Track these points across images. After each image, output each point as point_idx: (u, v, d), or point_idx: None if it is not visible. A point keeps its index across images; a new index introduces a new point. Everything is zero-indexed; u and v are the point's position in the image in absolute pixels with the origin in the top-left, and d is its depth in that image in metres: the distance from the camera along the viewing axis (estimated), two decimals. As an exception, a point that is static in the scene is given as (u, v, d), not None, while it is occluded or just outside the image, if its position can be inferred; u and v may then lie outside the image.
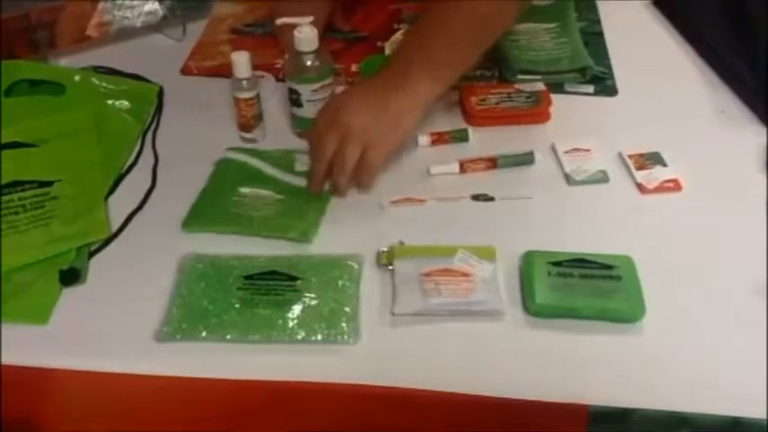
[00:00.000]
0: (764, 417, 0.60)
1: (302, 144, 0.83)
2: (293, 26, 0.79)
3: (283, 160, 0.83)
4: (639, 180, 0.80)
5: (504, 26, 0.82)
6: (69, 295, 0.69)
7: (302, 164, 0.81)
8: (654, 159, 0.82)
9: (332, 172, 0.76)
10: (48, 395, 0.66)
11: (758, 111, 0.89)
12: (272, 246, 0.73)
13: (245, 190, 0.78)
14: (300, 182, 0.80)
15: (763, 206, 0.78)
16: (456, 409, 0.63)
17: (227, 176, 0.80)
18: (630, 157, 0.83)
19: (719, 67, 0.96)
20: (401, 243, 0.72)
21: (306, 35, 0.78)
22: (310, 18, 0.79)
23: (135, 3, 0.99)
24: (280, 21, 0.82)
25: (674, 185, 0.80)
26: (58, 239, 0.72)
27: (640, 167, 0.81)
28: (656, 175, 0.80)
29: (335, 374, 0.63)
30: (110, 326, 0.67)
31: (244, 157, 0.82)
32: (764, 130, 0.87)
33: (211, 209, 0.77)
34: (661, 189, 0.79)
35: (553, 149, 0.84)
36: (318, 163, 0.76)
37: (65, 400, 0.67)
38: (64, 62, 0.96)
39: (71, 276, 0.70)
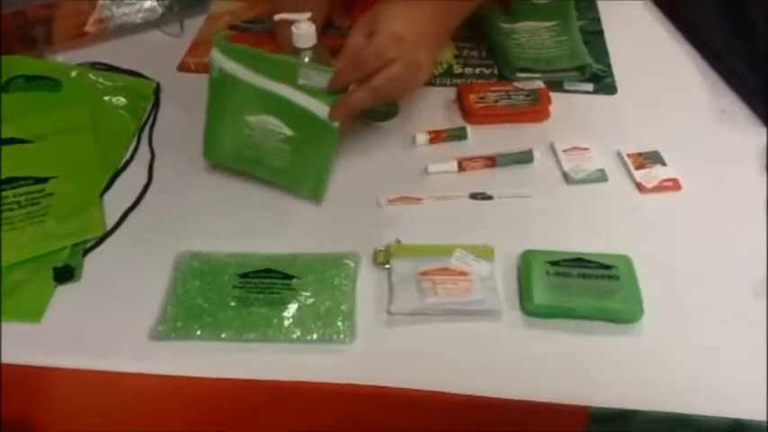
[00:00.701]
0: (764, 418, 0.60)
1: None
2: (291, 22, 0.78)
3: (283, 68, 0.75)
4: (638, 179, 0.79)
5: None
6: (63, 293, 0.69)
7: (306, 78, 0.75)
8: (653, 158, 0.82)
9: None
10: (41, 393, 0.66)
11: (758, 111, 0.88)
12: (269, 244, 0.73)
13: (251, 119, 0.76)
14: (305, 101, 0.75)
15: (763, 206, 0.77)
16: (453, 409, 0.63)
17: (227, 97, 0.76)
18: (629, 156, 0.82)
19: (719, 67, 0.95)
20: (398, 241, 0.72)
21: (303, 31, 0.78)
22: (308, 14, 0.78)
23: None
24: (277, 17, 0.81)
25: (673, 185, 0.79)
26: (53, 236, 0.72)
27: (639, 166, 0.81)
28: (654, 174, 0.80)
29: (331, 374, 0.63)
30: (104, 324, 0.67)
31: (240, 70, 0.75)
32: (764, 130, 0.86)
33: (225, 140, 0.78)
34: (660, 188, 0.79)
35: (552, 148, 0.84)
36: (349, 71, 0.72)
37: (59, 399, 0.66)
38: (60, 58, 0.96)
39: (65, 274, 0.69)
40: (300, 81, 0.74)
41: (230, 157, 0.78)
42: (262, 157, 0.77)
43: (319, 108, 0.75)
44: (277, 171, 0.77)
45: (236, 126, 0.77)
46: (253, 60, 0.75)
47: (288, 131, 0.76)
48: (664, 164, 0.81)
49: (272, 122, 0.76)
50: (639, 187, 0.79)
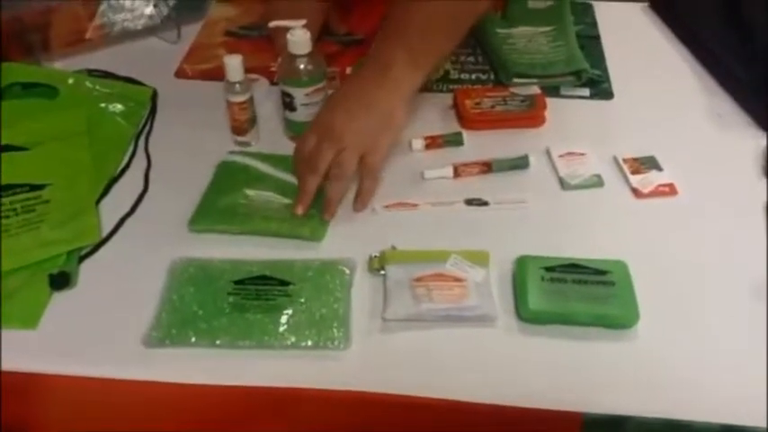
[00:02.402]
0: (761, 424, 0.59)
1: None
2: (287, 29, 0.79)
3: (284, 162, 0.82)
4: (634, 184, 0.79)
5: (479, 10, 0.81)
6: (59, 300, 0.69)
7: None
8: (649, 163, 0.82)
9: (324, 186, 0.74)
10: (37, 400, 0.66)
11: (755, 115, 0.88)
12: (264, 250, 0.73)
13: (250, 192, 0.78)
14: None
15: (760, 210, 0.77)
16: (448, 415, 0.62)
17: (230, 178, 0.80)
18: (625, 161, 0.82)
19: (716, 71, 0.95)
20: (393, 248, 0.72)
21: (299, 38, 0.78)
22: (303, 21, 0.78)
23: (130, 6, 0.99)
24: (273, 23, 0.82)
25: (669, 190, 0.79)
26: (49, 243, 0.72)
27: (635, 172, 0.81)
28: (651, 179, 0.80)
29: (326, 380, 0.63)
30: (99, 331, 0.67)
31: (245, 160, 0.82)
32: (761, 134, 0.86)
33: (219, 208, 0.76)
34: (656, 193, 0.79)
35: (548, 153, 0.84)
36: (312, 176, 0.73)
37: (54, 406, 0.66)
38: (57, 65, 0.96)
39: (61, 281, 0.69)
40: None
41: (220, 221, 0.75)
42: (258, 213, 0.76)
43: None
44: (274, 220, 0.75)
45: (234, 197, 0.77)
46: (259, 158, 0.82)
47: (287, 201, 0.77)
48: (660, 169, 0.81)
49: (272, 196, 0.78)
50: (636, 192, 0.79)
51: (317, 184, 0.74)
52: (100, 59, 0.97)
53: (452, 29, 0.78)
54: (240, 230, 0.74)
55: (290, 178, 0.80)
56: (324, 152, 0.73)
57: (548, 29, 1.01)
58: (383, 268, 0.70)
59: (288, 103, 0.83)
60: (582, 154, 0.83)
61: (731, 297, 0.69)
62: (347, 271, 0.70)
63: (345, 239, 0.74)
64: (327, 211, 0.75)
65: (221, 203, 0.77)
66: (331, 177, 0.73)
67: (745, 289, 0.70)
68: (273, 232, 0.74)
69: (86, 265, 0.72)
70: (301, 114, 0.83)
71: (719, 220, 0.76)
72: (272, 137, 0.87)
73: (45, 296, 0.69)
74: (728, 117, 0.89)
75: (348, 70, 0.95)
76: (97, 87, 0.90)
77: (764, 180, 0.81)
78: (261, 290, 0.68)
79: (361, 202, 0.76)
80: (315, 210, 0.76)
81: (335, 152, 0.72)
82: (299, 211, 0.74)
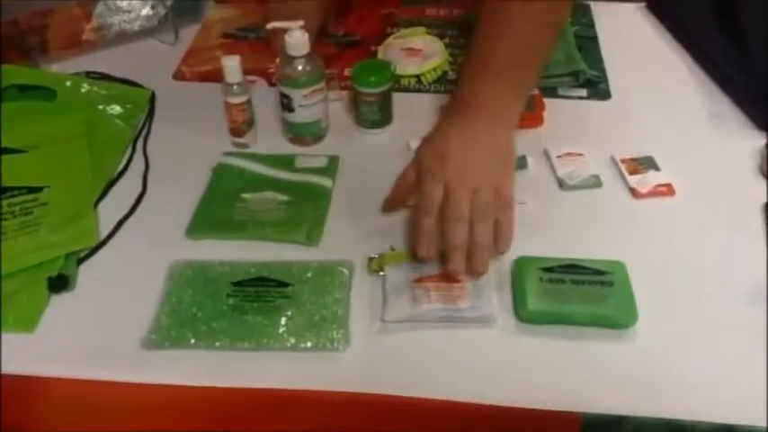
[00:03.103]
0: (760, 424, 0.60)
1: (298, 149, 0.85)
2: (284, 31, 0.79)
3: (282, 160, 0.82)
4: (632, 185, 0.80)
5: (561, 17, 0.79)
6: (58, 302, 0.69)
7: (304, 162, 0.82)
8: (647, 164, 0.82)
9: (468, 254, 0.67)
10: (36, 403, 0.66)
11: (752, 115, 0.89)
12: (263, 252, 0.73)
13: (247, 196, 0.78)
14: (302, 178, 0.80)
15: (758, 211, 0.78)
16: (447, 416, 0.62)
17: (226, 183, 0.80)
18: (623, 161, 0.82)
19: (713, 72, 0.95)
20: (392, 249, 0.72)
21: (296, 39, 0.78)
22: (300, 22, 0.78)
23: (128, 8, 0.99)
24: (270, 25, 0.82)
25: (667, 190, 0.79)
26: (47, 246, 0.72)
27: (633, 172, 0.81)
28: (649, 179, 0.80)
29: (325, 382, 0.63)
30: (98, 333, 0.67)
31: (242, 162, 0.82)
32: (758, 134, 0.86)
33: (215, 216, 0.76)
34: (654, 193, 0.79)
35: (546, 154, 0.84)
36: (461, 225, 0.66)
37: (52, 409, 0.66)
38: (55, 68, 0.96)
39: (60, 283, 0.69)
40: (298, 165, 0.82)
41: (216, 230, 0.75)
42: (253, 217, 0.76)
43: (318, 179, 0.80)
44: (270, 225, 0.75)
45: (230, 203, 0.78)
46: (254, 158, 0.83)
47: (284, 198, 0.78)
48: (658, 169, 0.81)
49: (269, 195, 0.78)
50: (634, 192, 0.79)
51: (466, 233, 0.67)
52: (97, 61, 0.97)
53: (542, 48, 0.76)
54: (237, 237, 0.74)
55: (287, 176, 0.80)
56: (461, 197, 0.66)
57: (545, 29, 1.01)
58: (382, 269, 0.70)
59: (286, 105, 0.83)
60: (580, 154, 0.83)
61: (729, 297, 0.69)
62: (346, 272, 0.70)
63: (344, 241, 0.74)
64: (478, 259, 0.67)
65: (217, 211, 0.77)
66: (477, 221, 0.66)
67: (742, 289, 0.70)
68: (269, 238, 0.74)
69: (85, 268, 0.72)
70: (299, 115, 0.83)
71: (717, 221, 0.76)
72: (270, 138, 0.87)
73: (43, 299, 0.69)
74: (726, 118, 0.89)
75: (346, 72, 0.95)
76: (95, 89, 0.90)
77: (762, 180, 0.81)
78: (260, 291, 0.68)
79: (504, 240, 0.68)
80: (309, 213, 0.76)
81: (471, 194, 0.67)
82: (424, 253, 0.67)
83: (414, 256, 0.69)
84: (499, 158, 0.70)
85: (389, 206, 0.76)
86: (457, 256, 0.66)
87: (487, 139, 0.70)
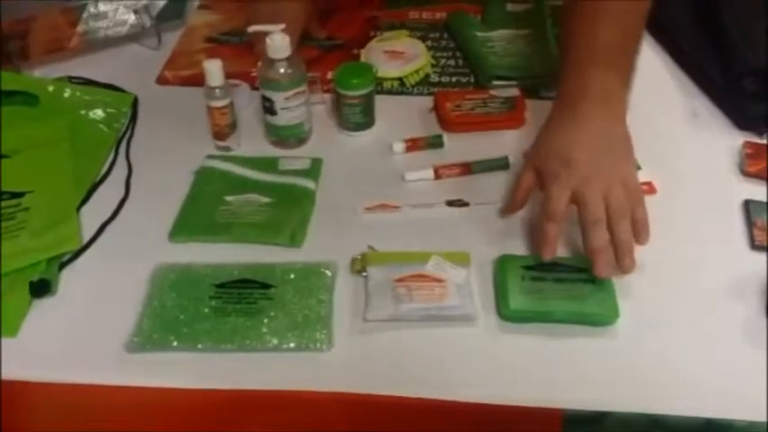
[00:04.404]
0: (739, 417, 0.60)
1: (281, 152, 0.85)
2: (266, 34, 0.79)
3: (265, 163, 0.83)
4: None
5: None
6: (40, 307, 0.69)
7: (287, 164, 0.82)
8: None
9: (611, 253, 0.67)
10: (18, 408, 0.65)
11: (730, 113, 0.90)
12: (246, 254, 0.73)
13: (230, 198, 0.78)
14: (285, 180, 0.80)
15: (737, 208, 0.78)
16: (430, 415, 0.63)
17: (209, 185, 0.80)
18: None
19: (692, 70, 0.96)
20: (370, 248, 0.72)
21: (277, 43, 0.78)
22: (282, 25, 0.79)
23: (112, 13, 0.99)
24: (252, 28, 0.82)
25: (648, 188, 0.80)
26: (29, 251, 0.71)
27: None
28: None
29: (309, 382, 0.63)
30: (80, 337, 0.66)
31: (224, 165, 0.82)
32: (737, 132, 0.87)
33: (198, 219, 0.76)
34: None
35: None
36: (600, 228, 0.66)
37: (35, 413, 0.66)
38: (38, 73, 0.96)
39: (41, 288, 0.69)
40: (281, 168, 0.82)
41: (199, 233, 0.75)
42: (237, 219, 0.76)
43: (301, 181, 0.80)
44: (253, 227, 0.75)
45: (212, 206, 0.78)
46: (237, 161, 0.83)
47: (267, 200, 0.78)
48: (638, 168, 0.82)
49: (252, 197, 0.78)
50: None
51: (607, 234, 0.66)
52: (81, 67, 0.96)
53: (640, 33, 0.75)
54: (220, 240, 0.75)
55: (270, 178, 0.81)
56: (594, 200, 0.66)
57: (526, 31, 1.02)
58: (365, 270, 0.70)
59: (268, 108, 0.83)
60: (561, 154, 0.84)
61: (709, 294, 0.70)
62: (329, 273, 0.70)
63: (327, 242, 0.75)
64: (628, 257, 0.66)
65: (200, 214, 0.77)
66: (615, 221, 0.66)
67: (722, 286, 0.70)
68: (253, 240, 0.74)
69: (67, 272, 0.72)
70: (282, 118, 0.83)
71: (697, 218, 0.77)
72: (253, 141, 0.87)
73: (25, 304, 0.68)
74: (705, 116, 0.90)
75: (329, 75, 0.96)
76: (78, 94, 0.90)
77: (741, 178, 0.82)
78: (243, 293, 0.68)
79: (644, 233, 0.68)
80: (292, 215, 0.76)
81: (603, 194, 0.66)
82: (549, 258, 0.68)
83: (535, 255, 0.68)
84: (619, 149, 0.70)
85: (509, 211, 0.75)
86: (602, 259, 0.66)
87: (605, 130, 0.70)
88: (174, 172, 0.82)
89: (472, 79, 0.97)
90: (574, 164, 0.68)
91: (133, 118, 0.91)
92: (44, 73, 0.95)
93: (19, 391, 0.64)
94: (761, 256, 0.73)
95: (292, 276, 0.70)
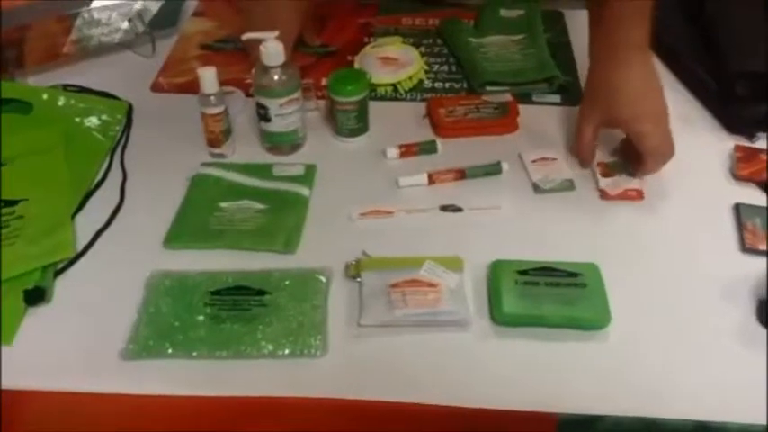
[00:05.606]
0: (732, 420, 0.61)
1: (275, 158, 0.85)
2: (261, 41, 0.79)
3: (259, 169, 0.83)
4: (602, 186, 0.81)
5: None
6: (36, 314, 0.69)
7: (281, 170, 0.83)
8: (620, 168, 0.83)
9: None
10: (13, 416, 0.65)
11: (721, 117, 0.90)
12: (241, 260, 0.73)
13: (224, 205, 0.79)
14: (280, 186, 0.81)
15: (728, 211, 0.79)
16: (424, 419, 0.63)
17: (204, 192, 0.81)
18: (597, 165, 0.84)
19: (684, 76, 0.97)
20: (364, 254, 0.73)
21: (272, 50, 0.79)
22: (276, 33, 0.79)
23: (106, 21, 0.99)
24: (246, 36, 0.82)
25: (636, 194, 0.80)
26: (24, 259, 0.72)
27: (606, 176, 0.82)
28: (620, 182, 0.81)
29: (304, 388, 0.63)
30: (76, 345, 0.67)
31: (219, 172, 0.83)
32: (728, 136, 0.88)
33: (193, 225, 0.77)
34: (624, 197, 0.80)
35: (521, 159, 0.85)
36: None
37: (31, 421, 0.66)
38: (33, 81, 0.96)
39: (36, 296, 0.69)
40: (276, 174, 0.82)
41: (194, 240, 0.75)
42: (231, 226, 0.76)
43: (296, 187, 0.80)
44: (247, 234, 0.75)
45: (207, 213, 0.78)
46: (232, 168, 0.83)
47: (262, 206, 0.78)
48: (630, 173, 0.82)
49: (247, 204, 0.79)
50: (604, 195, 0.80)
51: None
52: (75, 74, 0.97)
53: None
54: (214, 247, 0.75)
55: (264, 184, 0.81)
56: (669, 137, 0.79)
57: (519, 37, 1.02)
58: (359, 275, 0.71)
59: (263, 115, 0.83)
60: (554, 159, 0.85)
61: (700, 297, 0.70)
62: (323, 279, 0.71)
63: (322, 247, 0.75)
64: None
65: (195, 221, 0.77)
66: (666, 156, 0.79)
67: (713, 289, 0.71)
68: (247, 247, 0.74)
69: (62, 280, 0.72)
70: (276, 125, 0.83)
71: (688, 221, 0.78)
72: (248, 148, 0.87)
73: (20, 312, 0.68)
74: (696, 120, 0.91)
75: (323, 81, 0.96)
76: (72, 102, 0.90)
77: (732, 182, 0.83)
78: (237, 300, 0.68)
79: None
80: (287, 222, 0.76)
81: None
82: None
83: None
84: (663, 95, 0.80)
85: (586, 163, 0.84)
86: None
87: (655, 83, 0.79)
88: (168, 179, 0.82)
89: (465, 85, 0.97)
90: (657, 118, 0.78)
91: (128, 125, 0.91)
92: (39, 81, 0.96)
93: (14, 400, 0.64)
94: (752, 259, 0.74)
95: (287, 282, 0.70)
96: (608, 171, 0.82)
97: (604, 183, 0.81)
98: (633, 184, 0.81)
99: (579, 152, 0.84)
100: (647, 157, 0.79)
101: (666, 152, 0.79)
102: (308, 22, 1.02)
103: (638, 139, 0.78)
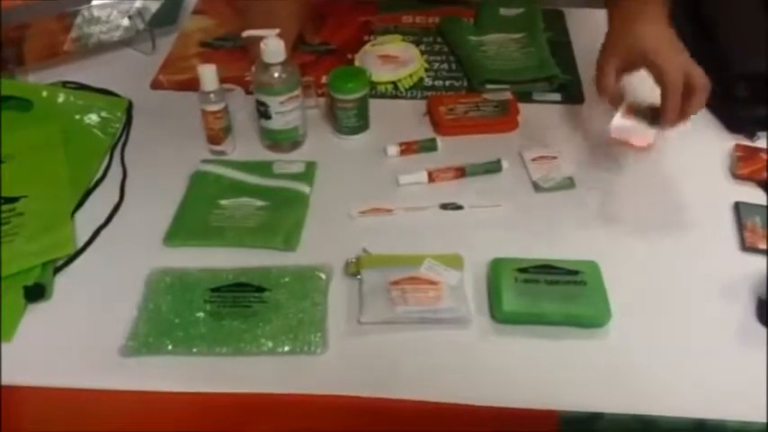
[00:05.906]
0: (731, 418, 0.61)
1: (275, 156, 0.85)
2: (261, 39, 0.79)
3: (259, 167, 0.83)
4: (613, 123, 0.79)
5: None
6: (35, 312, 0.69)
7: (281, 167, 0.83)
8: (644, 114, 0.80)
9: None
10: (13, 413, 0.65)
11: (722, 117, 0.90)
12: (241, 257, 0.73)
13: (224, 202, 0.79)
14: (280, 183, 0.81)
15: (728, 210, 0.79)
16: (425, 416, 0.63)
17: (204, 189, 0.81)
18: (625, 105, 0.81)
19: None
20: (365, 251, 0.73)
21: (272, 47, 0.79)
22: (276, 30, 0.79)
23: (106, 18, 0.99)
24: (246, 33, 0.82)
25: (638, 147, 0.79)
26: (24, 255, 0.72)
27: (626, 116, 0.80)
28: (632, 131, 0.79)
29: (304, 385, 0.63)
30: (76, 341, 0.67)
31: (219, 169, 0.82)
32: (728, 135, 0.88)
33: (193, 223, 0.77)
34: (626, 143, 0.79)
35: (521, 157, 0.85)
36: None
37: (31, 418, 0.66)
38: (33, 78, 0.96)
39: (36, 292, 0.69)
40: (276, 171, 0.82)
41: (194, 237, 0.75)
42: (231, 223, 0.76)
43: (296, 185, 0.80)
44: (247, 231, 0.75)
45: (207, 210, 0.78)
46: (232, 165, 0.83)
47: (262, 203, 0.78)
48: (654, 123, 0.81)
49: (247, 201, 0.79)
50: (609, 132, 0.79)
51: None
52: (76, 72, 0.97)
53: None
54: (214, 244, 0.75)
55: (264, 182, 0.81)
56: (696, 66, 0.79)
57: (519, 35, 1.02)
58: (359, 273, 0.71)
59: (263, 112, 0.83)
60: (554, 157, 0.85)
61: (700, 295, 0.70)
62: (324, 276, 0.71)
63: (322, 245, 0.75)
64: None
65: (195, 218, 0.77)
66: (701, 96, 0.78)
67: (713, 287, 0.71)
68: (247, 244, 0.74)
69: (62, 277, 0.72)
70: (277, 122, 0.83)
71: (688, 220, 0.78)
72: (248, 146, 0.87)
73: (20, 308, 0.68)
74: (696, 119, 0.91)
75: (323, 79, 0.96)
76: (72, 99, 0.90)
77: (732, 180, 0.83)
78: (237, 297, 0.68)
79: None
80: (287, 219, 0.76)
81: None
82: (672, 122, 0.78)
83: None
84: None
85: (615, 103, 0.82)
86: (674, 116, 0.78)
87: (673, 34, 0.82)
88: (168, 176, 0.82)
89: (465, 83, 0.97)
90: (674, 57, 0.78)
91: (128, 122, 0.91)
92: (39, 78, 0.95)
93: (14, 396, 0.64)
94: (752, 258, 0.74)
95: (287, 280, 0.70)
96: (630, 112, 0.81)
97: (617, 122, 0.80)
98: (643, 137, 0.79)
99: (602, 90, 0.81)
100: (669, 92, 0.76)
101: (698, 83, 0.77)
102: (307, 20, 1.02)
103: (661, 71, 0.76)
